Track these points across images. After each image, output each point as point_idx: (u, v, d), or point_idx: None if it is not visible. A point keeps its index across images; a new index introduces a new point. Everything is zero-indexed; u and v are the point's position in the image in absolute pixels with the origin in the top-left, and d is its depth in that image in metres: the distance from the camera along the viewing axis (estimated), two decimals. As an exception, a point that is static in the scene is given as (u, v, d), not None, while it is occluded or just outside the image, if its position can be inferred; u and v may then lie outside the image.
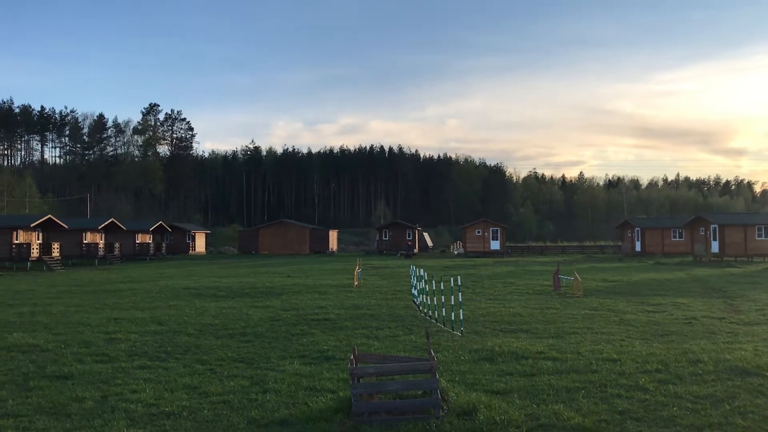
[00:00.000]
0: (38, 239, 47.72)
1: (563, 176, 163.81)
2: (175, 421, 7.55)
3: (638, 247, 57.70)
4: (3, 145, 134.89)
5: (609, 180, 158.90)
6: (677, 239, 56.89)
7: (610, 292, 23.29)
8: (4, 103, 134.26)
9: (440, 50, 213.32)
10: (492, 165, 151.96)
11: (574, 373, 9.73)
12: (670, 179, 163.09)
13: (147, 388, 9.09)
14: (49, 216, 49.23)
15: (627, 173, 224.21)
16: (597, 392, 8.66)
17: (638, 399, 8.30)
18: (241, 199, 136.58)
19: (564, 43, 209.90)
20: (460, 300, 14.10)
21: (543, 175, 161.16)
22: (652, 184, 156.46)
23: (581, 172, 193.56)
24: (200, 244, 78.13)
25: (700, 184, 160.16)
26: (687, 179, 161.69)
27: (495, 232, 63.78)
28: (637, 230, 58.51)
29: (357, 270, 28.91)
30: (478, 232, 63.67)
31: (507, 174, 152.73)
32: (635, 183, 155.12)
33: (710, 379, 9.31)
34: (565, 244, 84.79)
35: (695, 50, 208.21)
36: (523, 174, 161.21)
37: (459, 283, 14.51)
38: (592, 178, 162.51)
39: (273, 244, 74.48)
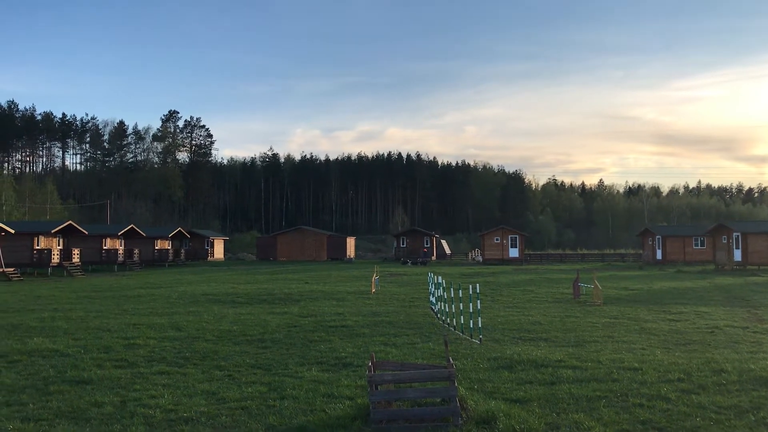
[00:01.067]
0: (59, 245, 48.25)
1: (583, 183, 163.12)
2: (194, 427, 7.55)
3: (659, 255, 57.13)
4: (25, 152, 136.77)
5: (629, 187, 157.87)
6: (699, 247, 56.26)
7: (630, 300, 23.04)
8: (27, 110, 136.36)
9: (458, 57, 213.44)
10: (511, 172, 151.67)
11: (594, 382, 9.61)
12: (691, 187, 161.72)
13: (165, 394, 9.11)
14: (70, 222, 49.79)
15: (647, 180, 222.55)
16: (618, 402, 8.54)
17: (660, 409, 8.17)
18: (260, 206, 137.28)
19: (583, 50, 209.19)
20: (479, 308, 14.00)
21: (562, 182, 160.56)
22: (673, 192, 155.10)
23: (601, 180, 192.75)
24: (219, 250, 78.57)
25: (722, 191, 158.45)
26: (708, 186, 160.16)
27: (514, 240, 63.48)
28: (658, 238, 57.93)
29: (374, 277, 28.87)
30: (497, 239, 63.41)
31: (526, 181, 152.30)
32: (656, 190, 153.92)
33: (734, 389, 9.14)
34: (585, 251, 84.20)
35: (715, 57, 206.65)
36: (542, 181, 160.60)
37: (478, 291, 14.42)
38: (612, 185, 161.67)
39: (291, 251, 74.70)
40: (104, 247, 53.91)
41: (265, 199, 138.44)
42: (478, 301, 14.17)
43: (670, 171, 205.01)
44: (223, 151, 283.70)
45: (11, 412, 8.27)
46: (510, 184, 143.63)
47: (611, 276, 38.44)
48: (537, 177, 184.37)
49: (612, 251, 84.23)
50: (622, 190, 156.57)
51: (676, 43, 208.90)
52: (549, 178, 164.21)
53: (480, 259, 65.45)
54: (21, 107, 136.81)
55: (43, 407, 8.47)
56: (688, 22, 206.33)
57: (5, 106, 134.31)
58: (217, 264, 67.38)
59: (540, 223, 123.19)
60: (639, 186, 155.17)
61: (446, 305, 16.69)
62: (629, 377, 9.91)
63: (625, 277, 38.03)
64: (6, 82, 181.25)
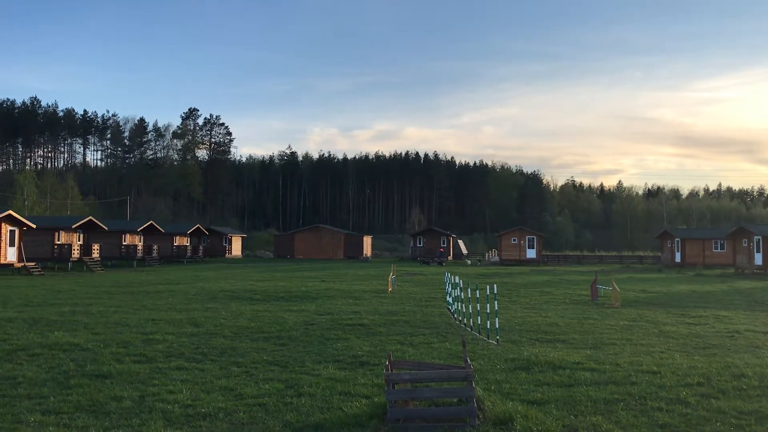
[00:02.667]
0: (79, 240, 48.77)
1: (601, 185, 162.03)
2: (212, 423, 7.60)
3: (678, 258, 56.59)
4: (47, 148, 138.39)
5: (648, 189, 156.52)
6: (719, 250, 55.66)
7: (649, 303, 22.85)
8: (49, 106, 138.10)
9: (476, 57, 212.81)
10: (529, 172, 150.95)
11: (612, 385, 9.54)
12: (711, 189, 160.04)
13: (184, 389, 9.17)
14: (90, 218, 50.32)
15: (667, 182, 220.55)
16: (636, 405, 8.47)
17: (679, 413, 8.09)
18: (277, 204, 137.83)
19: (603, 50, 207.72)
20: (496, 308, 13.96)
21: (581, 183, 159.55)
22: (693, 194, 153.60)
23: (620, 181, 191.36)
24: (236, 247, 79.02)
25: (743, 194, 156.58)
26: (729, 189, 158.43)
27: (531, 241, 63.21)
28: (677, 241, 57.39)
29: (391, 276, 28.89)
30: (514, 240, 63.18)
31: (544, 182, 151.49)
32: (675, 192, 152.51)
33: (755, 394, 9.03)
34: (603, 253, 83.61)
35: (737, 58, 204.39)
36: (561, 182, 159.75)
37: (495, 291, 14.38)
38: (631, 187, 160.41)
39: (308, 249, 74.96)
40: (124, 243, 54.43)
41: (282, 197, 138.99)
42: (496, 302, 14.12)
43: (690, 173, 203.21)
44: (241, 149, 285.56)
45: (32, 404, 8.38)
46: (528, 184, 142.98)
47: (629, 278, 38.16)
48: (555, 178, 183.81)
49: (630, 253, 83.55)
50: (641, 192, 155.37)
51: (697, 44, 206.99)
52: (567, 179, 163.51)
53: (497, 259, 65.24)
54: (43, 103, 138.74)
55: (64, 400, 8.57)
56: (710, 23, 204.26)
57: (28, 102, 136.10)
58: (234, 261, 67.77)
59: (558, 224, 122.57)
60: (658, 188, 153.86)
61: (463, 305, 16.65)
62: (648, 380, 9.83)
63: (644, 279, 37.73)
64: (29, 79, 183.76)
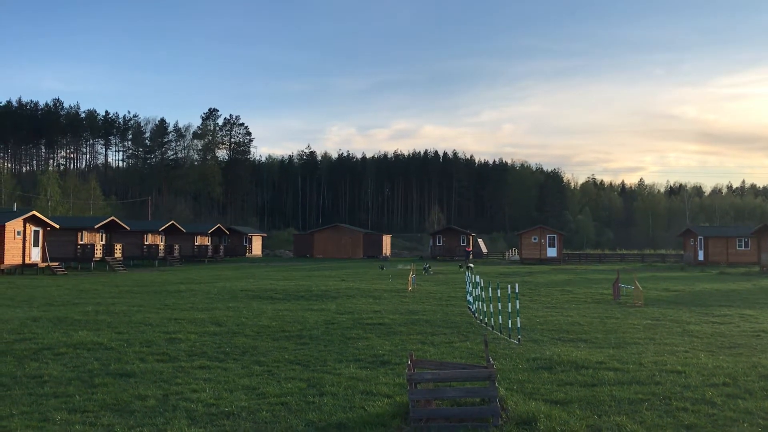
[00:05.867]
0: (102, 240, 49.33)
1: (622, 182, 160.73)
2: (235, 422, 7.63)
3: (701, 257, 55.95)
4: (69, 149, 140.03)
5: (670, 187, 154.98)
6: (743, 248, 54.94)
7: (672, 302, 22.61)
8: (71, 108, 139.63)
9: (495, 54, 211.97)
10: (549, 170, 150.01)
11: (636, 385, 9.44)
12: (734, 186, 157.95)
13: (207, 388, 9.23)
14: (113, 218, 50.87)
15: (689, 180, 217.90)
16: (661, 405, 8.38)
17: (705, 413, 7.99)
18: (296, 203, 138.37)
19: (623, 47, 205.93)
20: (518, 307, 13.89)
21: (601, 181, 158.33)
22: (716, 192, 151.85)
23: (641, 179, 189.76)
24: (257, 246, 79.47)
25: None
26: (753, 186, 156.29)
27: (552, 239, 62.83)
28: (700, 239, 56.72)
29: (411, 275, 28.86)
30: (535, 238, 62.85)
31: (564, 180, 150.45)
32: (698, 190, 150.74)
33: (783, 395, 8.89)
34: (624, 252, 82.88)
35: (761, 53, 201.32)
36: (581, 180, 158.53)
37: (517, 291, 14.30)
38: (653, 184, 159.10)
39: (327, 248, 75.15)
40: (145, 243, 54.95)
41: (302, 197, 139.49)
42: (517, 301, 14.05)
43: (713, 170, 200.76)
44: (261, 149, 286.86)
45: (59, 403, 8.47)
46: (548, 182, 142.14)
47: (651, 277, 37.79)
48: (576, 176, 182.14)
49: (652, 252, 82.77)
50: (663, 190, 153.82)
51: (720, 39, 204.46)
52: (588, 177, 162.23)
53: (517, 258, 64.96)
54: (65, 105, 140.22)
55: (89, 399, 8.65)
56: (732, 17, 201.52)
57: (50, 104, 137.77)
58: (255, 260, 68.14)
59: (578, 223, 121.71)
60: (680, 185, 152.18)
61: (484, 305, 16.59)
62: (672, 380, 9.71)
63: (666, 278, 37.34)
64: (51, 80, 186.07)
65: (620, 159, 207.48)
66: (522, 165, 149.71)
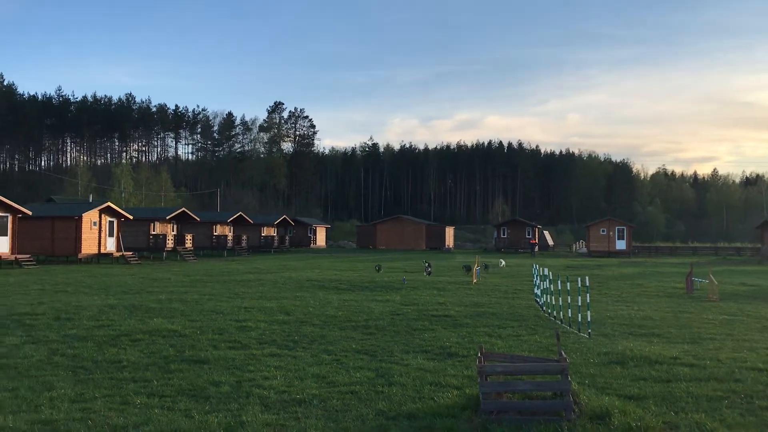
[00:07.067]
0: (173, 231, 50.87)
1: (695, 173, 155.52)
2: (307, 409, 7.75)
3: (780, 250, 53.51)
4: (141, 142, 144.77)
5: (746, 177, 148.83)
6: (826, 242, 52.27)
7: (749, 296, 21.73)
8: (143, 102, 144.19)
9: (560, 42, 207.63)
10: (617, 161, 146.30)
11: (714, 381, 9.12)
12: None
13: (278, 375, 9.40)
14: (183, 209, 52.38)
15: (767, 170, 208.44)
16: (742, 403, 8.06)
17: (791, 414, 7.64)
18: (359, 195, 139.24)
19: (694, 33, 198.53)
20: (588, 301, 13.61)
21: (672, 171, 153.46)
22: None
23: (715, 169, 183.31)
24: (321, 237, 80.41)
25: None
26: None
27: (621, 231, 61.30)
28: (779, 231, 54.24)
29: (475, 267, 28.64)
30: (603, 231, 61.44)
31: (634, 170, 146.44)
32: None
33: None
34: (697, 244, 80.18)
35: None
36: (651, 170, 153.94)
37: (587, 284, 14.00)
38: (728, 175, 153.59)
39: (390, 240, 75.37)
40: (214, 234, 56.35)
41: (364, 188, 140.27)
42: (587, 295, 13.77)
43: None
44: (324, 141, 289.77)
45: (138, 387, 8.79)
46: (616, 173, 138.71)
47: (726, 270, 36.42)
48: (646, 166, 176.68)
49: (727, 245, 79.74)
50: (738, 180, 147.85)
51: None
52: (659, 168, 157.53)
53: (585, 251, 63.68)
54: (138, 99, 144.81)
55: (166, 384, 8.94)
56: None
57: (123, 99, 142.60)
58: (319, 251, 69.00)
59: (648, 214, 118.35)
60: (757, 176, 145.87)
61: (552, 298, 16.32)
62: (753, 378, 9.33)
63: (743, 272, 35.94)
64: (124, 76, 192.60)
65: (692, 149, 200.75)
66: (590, 155, 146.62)
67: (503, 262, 31.35)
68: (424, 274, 30.31)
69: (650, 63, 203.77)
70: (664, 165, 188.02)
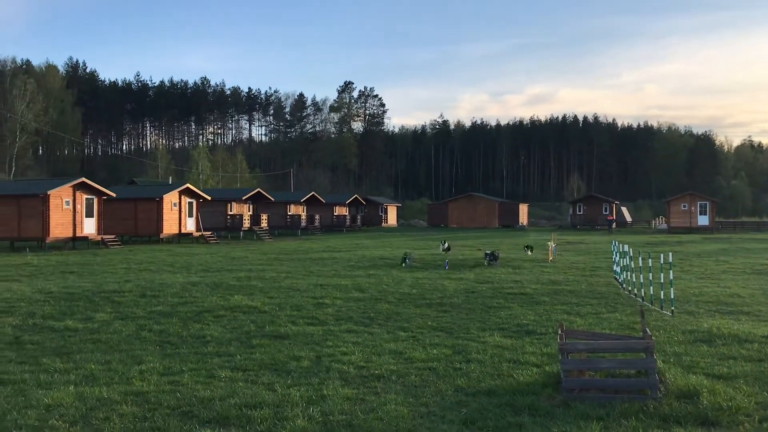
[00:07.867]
0: (249, 211, 52.08)
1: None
2: (386, 384, 7.82)
3: None
4: (216, 125, 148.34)
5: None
6: None
7: None
8: (217, 86, 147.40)
9: (635, 11, 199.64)
10: (699, 133, 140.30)
11: (811, 362, 8.68)
12: None
13: (356, 351, 9.53)
14: (258, 190, 53.57)
15: None
16: (842, 385, 7.65)
17: None
18: (430, 173, 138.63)
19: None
20: (671, 278, 13.16)
21: (759, 143, 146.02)
22: None
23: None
24: (392, 216, 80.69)
25: None
26: None
27: (703, 207, 58.94)
28: None
29: (551, 245, 28.14)
30: (684, 206, 59.23)
31: (717, 143, 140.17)
32: None
33: None
34: (786, 219, 76.23)
35: None
36: (736, 142, 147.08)
37: (671, 260, 13.54)
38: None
39: (461, 218, 74.91)
40: (288, 213, 57.41)
41: (435, 166, 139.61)
42: (670, 272, 13.32)
43: None
44: (394, 120, 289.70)
45: (222, 361, 9.08)
46: (698, 146, 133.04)
47: (820, 247, 34.53)
48: (729, 138, 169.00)
49: (820, 219, 75.56)
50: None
51: None
52: (744, 139, 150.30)
53: (665, 227, 61.65)
54: (212, 83, 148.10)
55: (248, 358, 9.20)
56: None
57: (199, 82, 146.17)
58: (390, 230, 69.31)
59: (733, 188, 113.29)
60: None
61: (632, 275, 15.87)
62: None
63: (838, 248, 33.98)
64: (198, 60, 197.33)
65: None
66: (669, 128, 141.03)
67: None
68: (441, 250, 29.54)
69: (729, 30, 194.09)
70: (750, 136, 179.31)
